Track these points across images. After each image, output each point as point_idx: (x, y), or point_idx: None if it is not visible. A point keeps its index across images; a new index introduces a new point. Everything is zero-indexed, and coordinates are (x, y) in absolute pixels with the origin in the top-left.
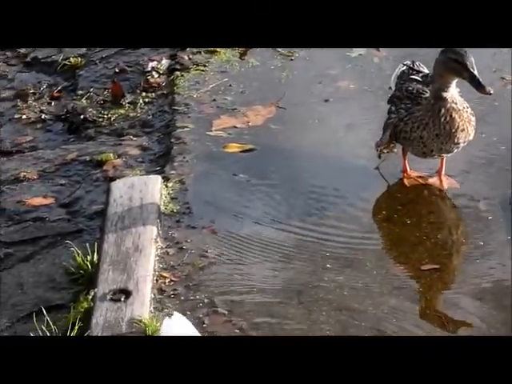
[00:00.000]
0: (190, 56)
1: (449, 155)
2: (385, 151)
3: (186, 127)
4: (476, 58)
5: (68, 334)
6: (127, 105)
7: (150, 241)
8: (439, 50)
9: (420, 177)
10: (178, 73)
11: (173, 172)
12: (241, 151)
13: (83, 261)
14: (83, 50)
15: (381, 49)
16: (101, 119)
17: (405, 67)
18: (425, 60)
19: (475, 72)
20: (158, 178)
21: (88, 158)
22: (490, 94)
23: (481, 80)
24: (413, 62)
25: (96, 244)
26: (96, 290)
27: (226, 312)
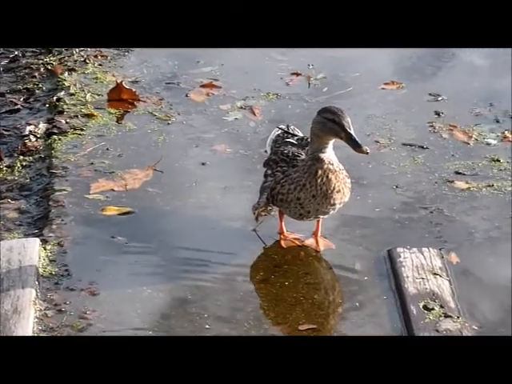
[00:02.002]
0: (68, 120)
1: (325, 217)
2: (262, 214)
3: (64, 190)
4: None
5: None
6: (5, 168)
7: (28, 303)
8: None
9: (296, 238)
10: (55, 136)
11: (51, 235)
12: (119, 214)
13: None
14: None
15: (257, 113)
16: None
17: (280, 131)
18: (299, 124)
19: (352, 132)
20: (37, 241)
21: None
22: (367, 153)
23: (358, 140)
24: (287, 126)
25: None
26: None
27: None
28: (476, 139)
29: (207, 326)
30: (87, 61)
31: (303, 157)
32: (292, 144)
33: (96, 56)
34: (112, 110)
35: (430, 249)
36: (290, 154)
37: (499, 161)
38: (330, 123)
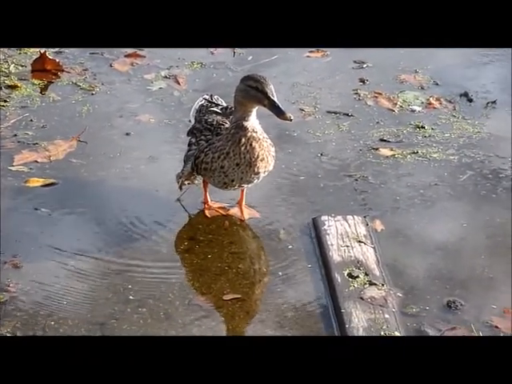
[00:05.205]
0: None
1: (249, 186)
2: (186, 183)
3: None
4: (275, 90)
5: None
6: None
7: None
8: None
9: (221, 208)
10: None
11: None
12: (42, 185)
13: None
14: None
15: (181, 82)
16: None
17: (203, 101)
18: (224, 93)
19: (275, 99)
20: None
21: None
22: (291, 120)
23: (281, 106)
24: (211, 96)
25: None
26: None
27: None
28: (401, 106)
29: (131, 297)
30: None
31: (227, 125)
32: (216, 113)
33: None
34: (36, 81)
35: (355, 216)
36: (215, 123)
37: (424, 127)
38: (253, 91)
